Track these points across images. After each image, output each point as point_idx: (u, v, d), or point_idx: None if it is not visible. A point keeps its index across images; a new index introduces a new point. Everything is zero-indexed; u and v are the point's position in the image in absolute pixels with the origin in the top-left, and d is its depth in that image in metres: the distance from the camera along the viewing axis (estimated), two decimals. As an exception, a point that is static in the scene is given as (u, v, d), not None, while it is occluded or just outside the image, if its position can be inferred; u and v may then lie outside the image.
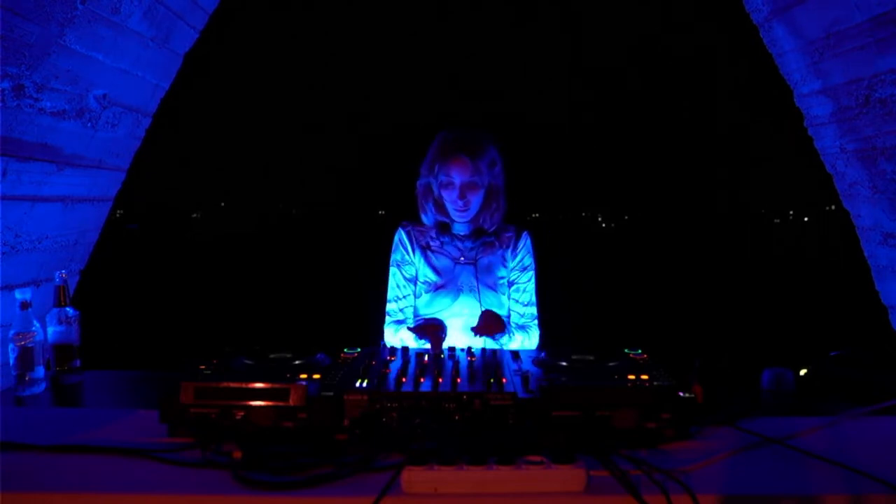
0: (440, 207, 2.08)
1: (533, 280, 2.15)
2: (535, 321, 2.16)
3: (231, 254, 19.55)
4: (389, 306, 2.16)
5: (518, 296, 2.14)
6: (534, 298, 2.15)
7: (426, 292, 2.12)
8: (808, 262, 17.32)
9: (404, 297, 2.14)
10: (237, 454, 1.19)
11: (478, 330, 1.92)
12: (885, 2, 1.66)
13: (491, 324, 1.95)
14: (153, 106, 2.20)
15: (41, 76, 1.66)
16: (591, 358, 1.52)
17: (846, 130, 2.05)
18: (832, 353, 1.86)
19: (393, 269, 2.16)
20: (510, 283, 2.15)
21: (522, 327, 2.14)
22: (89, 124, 1.92)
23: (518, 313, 2.15)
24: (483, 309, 2.04)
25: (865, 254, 2.28)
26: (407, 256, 2.14)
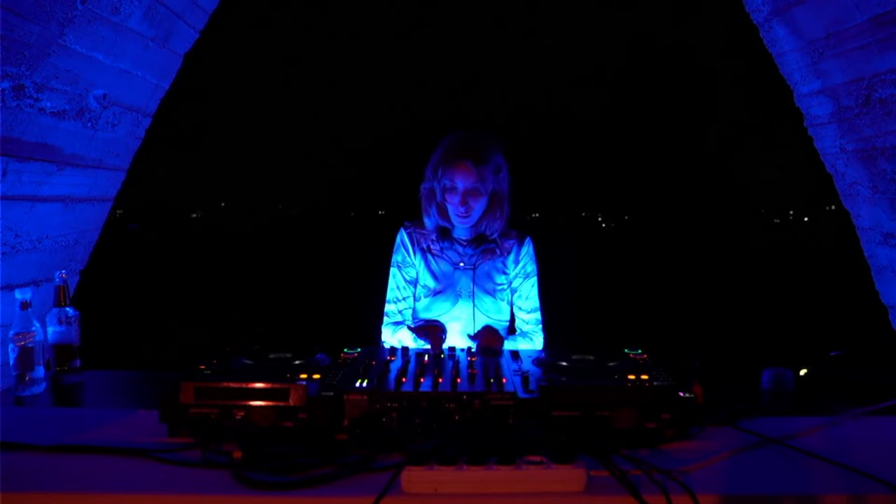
0: (443, 211, 2.07)
1: (536, 286, 2.15)
2: (539, 325, 2.16)
3: (231, 254, 19.55)
4: (388, 307, 2.15)
5: (522, 303, 2.14)
6: (537, 304, 2.15)
7: (425, 296, 2.11)
8: (808, 262, 17.32)
9: (404, 298, 2.14)
10: (237, 454, 1.19)
11: (481, 349, 1.88)
12: (885, 2, 1.66)
13: (492, 339, 1.94)
14: (153, 106, 2.20)
15: (41, 76, 1.66)
16: (591, 358, 1.52)
17: (846, 130, 2.05)
18: (832, 353, 1.86)
19: (393, 270, 2.15)
20: (513, 291, 2.15)
21: (525, 334, 2.14)
22: (89, 124, 1.92)
23: (523, 320, 2.15)
24: (484, 324, 2.04)
25: (865, 254, 2.28)
26: (408, 258, 2.14)
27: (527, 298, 2.14)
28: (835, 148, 2.15)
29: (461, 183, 1.97)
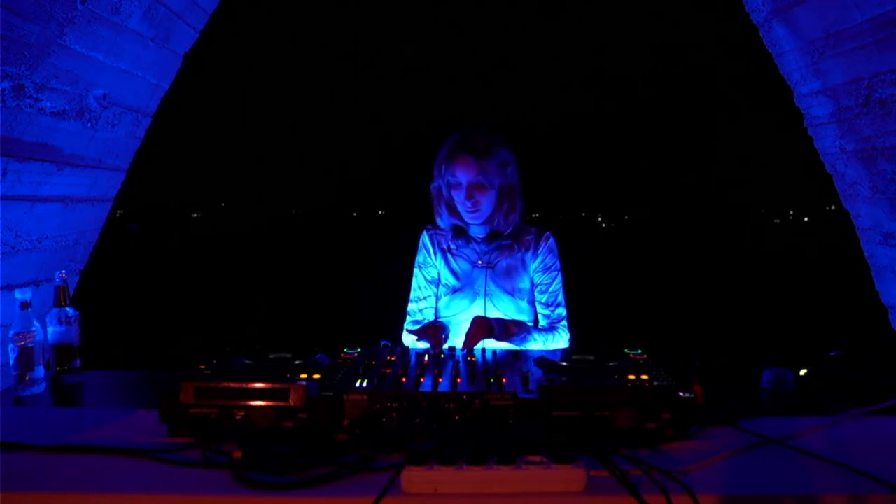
0: (453, 209, 2.08)
1: (558, 281, 2.11)
2: (564, 322, 2.11)
3: (231, 254, 19.55)
4: (410, 306, 2.17)
5: (542, 297, 2.11)
6: (561, 299, 2.11)
7: (445, 295, 2.12)
8: (808, 262, 17.32)
9: (425, 298, 2.15)
10: (237, 454, 1.19)
11: (464, 346, 1.85)
12: (885, 2, 1.66)
13: (476, 332, 1.89)
14: (153, 106, 2.20)
15: (41, 76, 1.66)
16: (591, 358, 1.52)
17: (846, 130, 2.04)
18: (832, 353, 1.86)
19: (416, 271, 2.17)
20: (534, 285, 2.12)
21: (549, 329, 2.09)
22: (89, 124, 1.92)
23: (544, 315, 2.12)
24: (475, 316, 1.98)
25: (865, 254, 2.28)
26: (429, 259, 2.15)
27: (547, 292, 2.10)
28: (835, 148, 2.15)
29: (463, 177, 1.98)
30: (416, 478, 1.08)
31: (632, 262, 18.14)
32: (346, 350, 1.63)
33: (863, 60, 1.83)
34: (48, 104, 1.73)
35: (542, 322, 2.13)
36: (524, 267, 2.10)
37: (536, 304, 2.13)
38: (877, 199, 2.05)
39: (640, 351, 1.58)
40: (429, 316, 2.14)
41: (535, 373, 1.45)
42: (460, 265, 2.11)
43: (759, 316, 9.19)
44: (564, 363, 1.49)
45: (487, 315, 2.05)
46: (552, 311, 2.11)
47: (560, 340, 2.08)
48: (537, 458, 1.11)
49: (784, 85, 2.25)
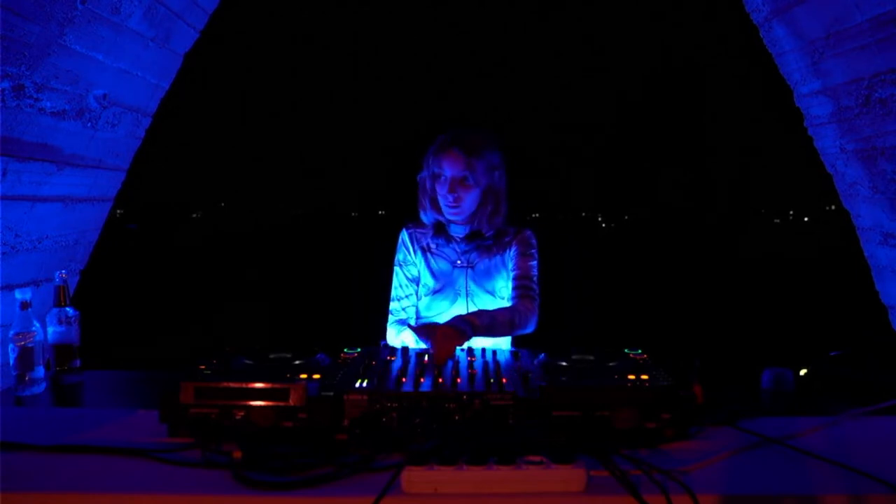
0: (435, 203, 2.07)
1: (533, 264, 2.05)
2: (530, 293, 2.01)
3: (231, 254, 19.55)
4: (392, 305, 2.16)
5: (514, 273, 2.04)
6: (532, 276, 2.03)
7: (425, 295, 2.11)
8: (808, 262, 17.32)
9: (406, 296, 2.14)
10: (237, 454, 1.19)
11: (435, 360, 1.57)
12: (885, 2, 1.66)
13: (443, 346, 1.63)
14: (153, 106, 2.20)
15: (41, 76, 1.66)
16: (591, 358, 1.52)
17: (846, 130, 2.05)
18: (832, 353, 1.86)
19: (396, 269, 2.16)
20: (510, 272, 2.07)
21: (511, 306, 1.98)
22: (89, 124, 1.92)
23: (513, 288, 2.03)
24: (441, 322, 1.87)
25: (865, 254, 2.28)
26: (409, 257, 2.15)
27: (519, 269, 2.04)
28: (835, 148, 2.15)
29: (449, 170, 1.97)
30: (416, 478, 1.08)
31: (631, 263, 18.14)
32: (346, 350, 1.63)
33: (863, 60, 1.83)
34: (48, 104, 1.73)
35: (507, 293, 2.06)
36: (504, 266, 2.09)
37: (509, 281, 2.06)
38: (877, 199, 2.05)
39: (640, 351, 1.58)
40: (411, 314, 2.13)
41: (536, 373, 1.45)
42: (439, 265, 2.10)
43: (760, 316, 9.19)
44: (564, 363, 1.49)
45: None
46: (518, 282, 2.02)
47: (525, 311, 1.96)
48: (537, 458, 1.11)
49: (784, 85, 2.25)
